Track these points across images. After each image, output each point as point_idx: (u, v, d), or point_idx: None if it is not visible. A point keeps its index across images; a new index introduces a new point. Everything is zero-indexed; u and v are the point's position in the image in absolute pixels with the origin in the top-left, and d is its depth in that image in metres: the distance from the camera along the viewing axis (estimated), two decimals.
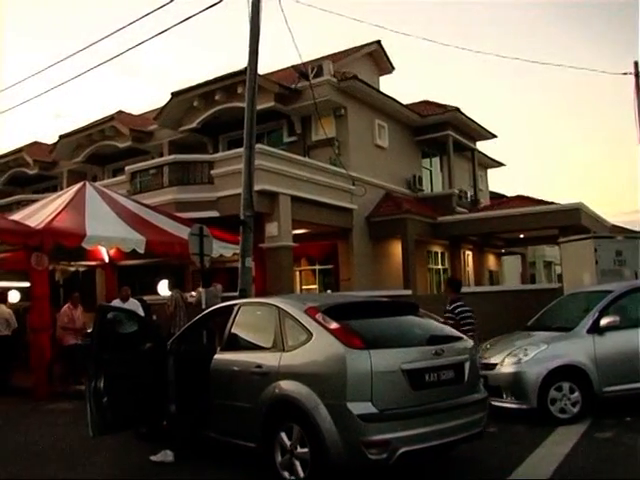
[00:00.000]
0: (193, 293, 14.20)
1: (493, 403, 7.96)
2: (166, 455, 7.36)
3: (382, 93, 22.98)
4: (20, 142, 32.52)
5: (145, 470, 7.18)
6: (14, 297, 16.96)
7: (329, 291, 20.79)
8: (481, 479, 6.47)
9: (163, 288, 15.91)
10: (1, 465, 7.62)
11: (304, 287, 22.43)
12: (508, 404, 8.82)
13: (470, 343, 6.74)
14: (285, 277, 17.34)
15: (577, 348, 8.89)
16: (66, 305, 13.96)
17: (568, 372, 8.71)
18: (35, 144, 30.24)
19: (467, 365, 6.39)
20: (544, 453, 7.17)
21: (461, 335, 6.75)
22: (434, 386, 6.03)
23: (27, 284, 14.04)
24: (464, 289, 17.91)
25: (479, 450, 7.01)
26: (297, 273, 21.72)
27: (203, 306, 11.97)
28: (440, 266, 25.84)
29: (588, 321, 9.15)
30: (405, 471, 6.33)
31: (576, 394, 8.64)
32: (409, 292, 17.68)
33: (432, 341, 6.30)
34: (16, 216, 14.82)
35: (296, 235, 18.49)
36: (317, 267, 22.38)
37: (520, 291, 15.97)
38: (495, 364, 9.06)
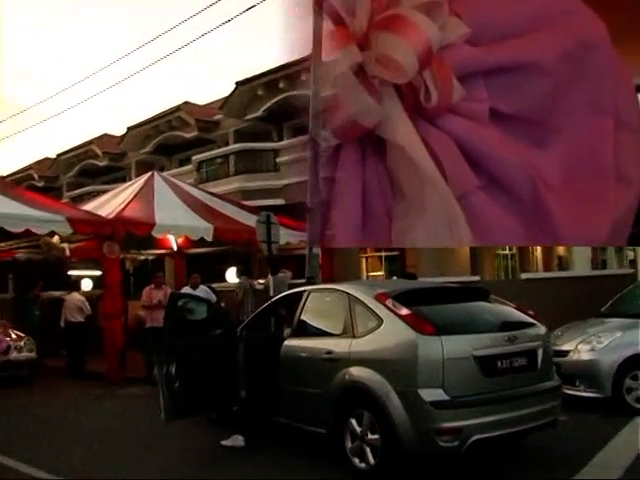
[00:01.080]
0: (261, 280, 14.29)
1: (566, 391, 7.77)
2: (237, 440, 7.44)
3: None
4: (90, 135, 33.30)
5: (216, 454, 7.30)
6: (87, 285, 17.40)
7: (395, 278, 20.65)
8: (553, 470, 6.32)
9: (231, 275, 16.07)
10: (75, 447, 7.85)
11: (370, 274, 22.35)
12: (581, 392, 8.59)
13: (543, 329, 6.60)
14: (351, 264, 17.31)
15: None
16: (149, 286, 14.04)
17: None
18: (104, 136, 30.82)
19: (540, 352, 6.25)
20: (620, 444, 6.93)
21: (534, 321, 6.60)
22: (506, 373, 5.92)
23: (99, 272, 14.37)
24: (534, 275, 17.81)
25: (552, 440, 6.83)
26: (363, 260, 21.66)
27: (271, 293, 12.05)
28: (508, 251, 25.37)
29: None
30: (476, 459, 6.25)
31: None
32: (477, 278, 17.35)
33: (504, 327, 6.17)
34: (88, 206, 15.19)
35: None
36: (383, 254, 22.20)
37: (591, 277, 15.49)
38: (568, 351, 8.83)
